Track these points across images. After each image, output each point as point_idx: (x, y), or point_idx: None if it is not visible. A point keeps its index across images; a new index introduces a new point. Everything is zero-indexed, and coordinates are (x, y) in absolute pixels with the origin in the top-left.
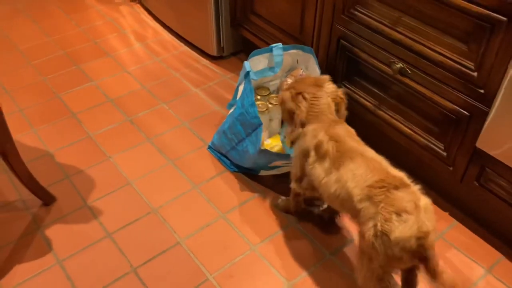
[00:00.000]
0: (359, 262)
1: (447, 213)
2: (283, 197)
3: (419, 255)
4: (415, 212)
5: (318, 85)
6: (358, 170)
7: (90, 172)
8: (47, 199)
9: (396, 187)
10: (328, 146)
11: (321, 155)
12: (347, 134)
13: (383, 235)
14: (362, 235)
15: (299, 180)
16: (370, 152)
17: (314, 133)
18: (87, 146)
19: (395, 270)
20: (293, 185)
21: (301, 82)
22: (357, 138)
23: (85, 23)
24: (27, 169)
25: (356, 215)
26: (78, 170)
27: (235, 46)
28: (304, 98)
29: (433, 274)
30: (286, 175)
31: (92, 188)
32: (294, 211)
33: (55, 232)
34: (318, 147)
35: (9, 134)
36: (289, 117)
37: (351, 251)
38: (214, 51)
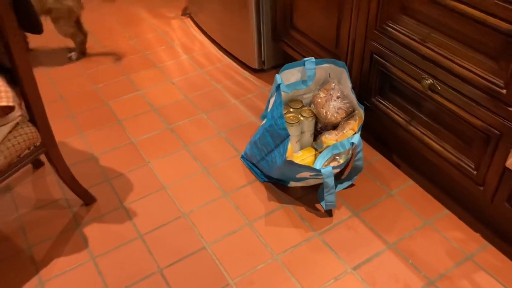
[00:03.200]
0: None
1: (478, 234)
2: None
3: None
4: None
5: None
6: None
7: (129, 175)
8: (88, 199)
9: None
10: None
11: None
12: None
13: None
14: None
15: None
16: None
17: None
18: (128, 151)
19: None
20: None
21: None
22: None
23: (137, 36)
24: (70, 171)
25: None
26: (118, 174)
27: (276, 60)
28: None
29: None
30: (315, 188)
31: (130, 191)
32: None
33: (92, 230)
34: None
35: (52, 136)
36: None
37: (373, 267)
38: (255, 64)
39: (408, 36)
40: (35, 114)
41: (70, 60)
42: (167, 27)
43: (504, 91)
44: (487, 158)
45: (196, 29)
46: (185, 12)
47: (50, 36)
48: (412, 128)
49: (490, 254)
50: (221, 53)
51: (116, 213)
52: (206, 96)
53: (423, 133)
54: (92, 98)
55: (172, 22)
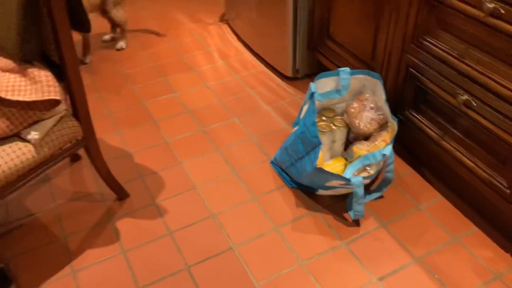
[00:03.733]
0: None
1: (508, 254)
2: None
3: None
4: None
5: None
6: None
7: (162, 174)
8: (121, 195)
9: None
10: None
11: None
12: None
13: None
14: None
15: None
16: None
17: None
18: (162, 150)
19: None
20: None
21: None
22: None
23: (176, 39)
24: (106, 166)
25: None
26: (152, 171)
27: (310, 69)
28: None
29: None
30: (343, 197)
31: (162, 188)
32: None
33: (124, 225)
34: None
35: (93, 131)
36: None
37: (398, 280)
38: (289, 72)
39: (446, 51)
40: (79, 110)
41: (121, 49)
42: (205, 32)
43: None
44: None
45: (233, 35)
46: (223, 19)
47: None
48: (444, 143)
49: None
50: (256, 59)
51: (148, 210)
52: (240, 101)
53: (455, 149)
54: (129, 97)
55: (210, 28)
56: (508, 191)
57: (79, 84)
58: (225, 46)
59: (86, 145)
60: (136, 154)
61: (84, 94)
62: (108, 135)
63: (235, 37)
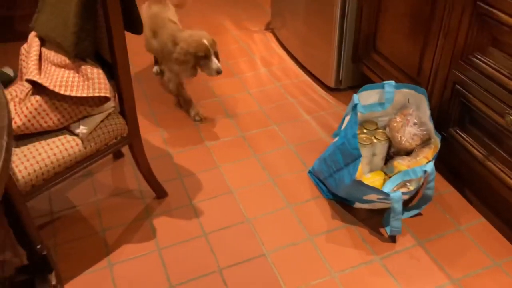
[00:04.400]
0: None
1: None
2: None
3: None
4: None
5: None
6: None
7: (200, 176)
8: (160, 193)
9: None
10: None
11: None
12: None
13: None
14: None
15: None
16: None
17: None
18: (202, 153)
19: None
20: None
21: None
22: None
23: (221, 46)
24: (148, 164)
25: None
26: (190, 173)
27: (353, 81)
28: None
29: None
30: (380, 212)
31: (199, 190)
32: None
33: (160, 223)
34: None
35: (138, 130)
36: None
37: None
38: (332, 83)
39: (496, 69)
40: (126, 108)
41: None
42: (249, 39)
43: None
44: None
45: (277, 44)
46: (268, 27)
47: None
48: (489, 164)
49: None
50: (299, 69)
51: (185, 210)
52: (280, 109)
53: (501, 170)
54: (172, 99)
55: (254, 36)
56: None
57: (128, 83)
58: (269, 54)
59: (130, 143)
60: (177, 155)
61: (132, 93)
62: (150, 134)
63: (279, 46)
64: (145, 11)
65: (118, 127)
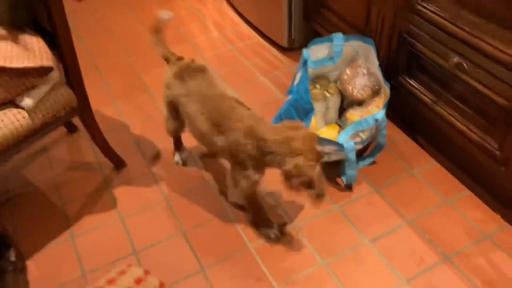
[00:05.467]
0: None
1: (498, 215)
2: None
3: None
4: None
5: (305, 154)
6: None
7: (159, 144)
8: (118, 164)
9: None
10: None
11: None
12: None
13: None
14: None
15: None
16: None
17: None
18: (158, 122)
19: None
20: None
21: (301, 135)
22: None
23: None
24: (102, 135)
25: None
26: (148, 142)
27: (306, 39)
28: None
29: None
30: (337, 163)
31: (158, 158)
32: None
33: (121, 192)
34: None
35: (87, 100)
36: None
37: (390, 241)
38: (285, 43)
39: (438, 15)
40: (72, 77)
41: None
42: (200, 5)
43: None
44: (511, 138)
45: (228, 7)
46: None
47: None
48: (437, 108)
49: (509, 234)
50: (252, 31)
51: (144, 178)
52: (235, 72)
53: (448, 113)
54: (126, 70)
55: (205, 0)
56: (498, 152)
57: (71, 52)
58: (221, 17)
59: (81, 114)
60: (133, 125)
61: (77, 62)
62: (104, 106)
63: (230, 9)
64: (197, 86)
65: (66, 98)
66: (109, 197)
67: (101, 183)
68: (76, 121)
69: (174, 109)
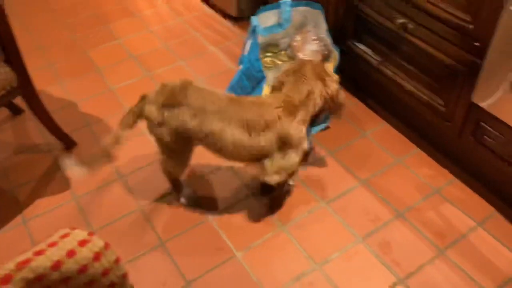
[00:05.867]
0: None
1: (446, 170)
2: None
3: None
4: None
5: (322, 78)
6: None
7: (109, 121)
8: (68, 143)
9: None
10: None
11: None
12: (261, 114)
13: None
14: None
15: None
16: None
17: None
18: (108, 98)
19: None
20: None
21: (310, 65)
22: (259, 126)
23: None
24: (49, 114)
25: None
26: (98, 119)
27: (255, 8)
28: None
29: None
30: None
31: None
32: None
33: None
34: None
35: (29, 78)
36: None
37: (345, 202)
38: (234, 12)
39: None
40: (10, 55)
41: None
42: None
43: (471, 26)
44: (454, 94)
45: None
46: None
47: None
48: (385, 70)
49: (456, 188)
50: (200, 2)
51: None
52: (185, 44)
53: (396, 74)
54: (70, 47)
55: None
56: (444, 109)
57: (6, 26)
58: None
59: (24, 94)
60: (81, 104)
61: (13, 37)
62: (50, 86)
63: None
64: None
65: (5, 77)
66: (61, 178)
67: (51, 164)
68: (21, 103)
69: (183, 141)
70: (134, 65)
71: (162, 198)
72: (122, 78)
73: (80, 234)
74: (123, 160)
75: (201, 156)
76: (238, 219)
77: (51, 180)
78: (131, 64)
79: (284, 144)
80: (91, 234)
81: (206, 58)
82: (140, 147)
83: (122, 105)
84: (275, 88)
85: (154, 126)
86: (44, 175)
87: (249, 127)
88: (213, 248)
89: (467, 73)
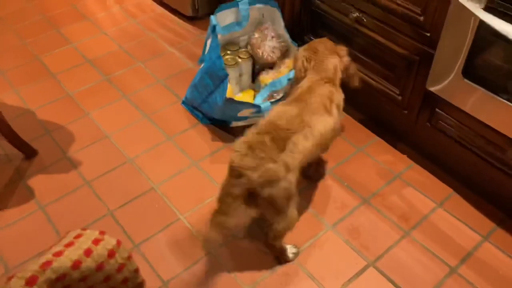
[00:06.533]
0: None
1: (405, 156)
2: None
3: None
4: None
5: (335, 51)
6: None
7: (70, 127)
8: (29, 153)
9: None
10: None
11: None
12: (321, 94)
13: None
14: None
15: None
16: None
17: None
18: (66, 104)
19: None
20: None
21: (320, 44)
22: (327, 103)
23: None
24: (6, 122)
25: None
26: (58, 126)
27: (210, 6)
28: (310, 59)
29: None
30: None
31: (72, 141)
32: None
33: (37, 182)
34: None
35: None
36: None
37: (312, 191)
38: (189, 12)
39: None
40: None
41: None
42: None
43: (421, 18)
44: (410, 83)
45: None
46: None
47: None
48: None
49: (416, 172)
50: (153, 2)
51: (60, 164)
52: (142, 46)
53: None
54: (22, 53)
55: None
56: (400, 97)
57: None
58: None
59: None
60: (39, 111)
61: None
62: (4, 94)
63: None
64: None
65: None
66: (24, 188)
67: (13, 175)
68: None
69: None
70: (90, 69)
71: (131, 201)
72: (79, 83)
73: (93, 233)
74: (88, 165)
75: None
76: (183, 184)
77: (13, 191)
78: (88, 68)
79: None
80: (102, 233)
81: (165, 58)
82: (106, 151)
83: (82, 110)
84: (298, 77)
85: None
86: (6, 187)
87: (326, 109)
88: (184, 251)
89: (420, 62)
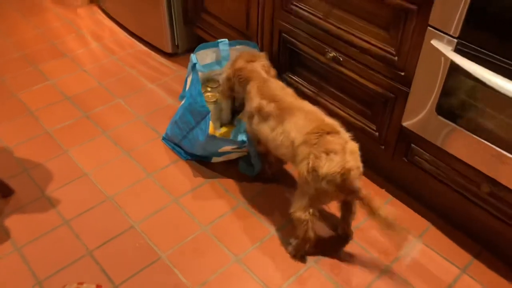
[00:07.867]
0: (295, 197)
1: (383, 190)
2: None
3: (345, 190)
4: (341, 152)
5: (252, 60)
6: (298, 122)
7: (48, 165)
8: (5, 191)
9: (328, 133)
10: (270, 108)
11: (264, 117)
12: (282, 91)
13: (313, 170)
14: (298, 173)
15: (257, 142)
16: (307, 105)
17: (250, 96)
18: (44, 141)
19: (324, 203)
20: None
21: (239, 58)
22: (290, 92)
23: (42, 25)
24: None
25: (294, 157)
26: (36, 164)
27: (190, 43)
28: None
29: (368, 208)
30: (236, 161)
31: (50, 180)
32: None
33: (13, 222)
34: (260, 111)
35: None
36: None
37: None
38: (169, 49)
39: (312, 14)
40: None
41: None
42: (73, 15)
43: (396, 58)
44: (386, 119)
45: (105, 16)
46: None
47: None
48: (320, 99)
49: (394, 206)
50: (132, 39)
51: (38, 203)
52: (121, 82)
53: (330, 103)
54: None
55: (78, 11)
56: (377, 133)
57: None
58: (98, 27)
59: None
60: (16, 148)
61: None
62: None
63: (107, 18)
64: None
65: None
66: None
67: None
68: None
69: None
70: (69, 106)
71: (111, 239)
72: (58, 120)
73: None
74: (66, 204)
75: None
76: (163, 221)
77: None
78: (66, 105)
79: None
80: (98, 287)
81: (145, 94)
82: (84, 189)
83: (61, 147)
84: (224, 90)
85: None
86: None
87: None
88: None
89: (396, 99)
